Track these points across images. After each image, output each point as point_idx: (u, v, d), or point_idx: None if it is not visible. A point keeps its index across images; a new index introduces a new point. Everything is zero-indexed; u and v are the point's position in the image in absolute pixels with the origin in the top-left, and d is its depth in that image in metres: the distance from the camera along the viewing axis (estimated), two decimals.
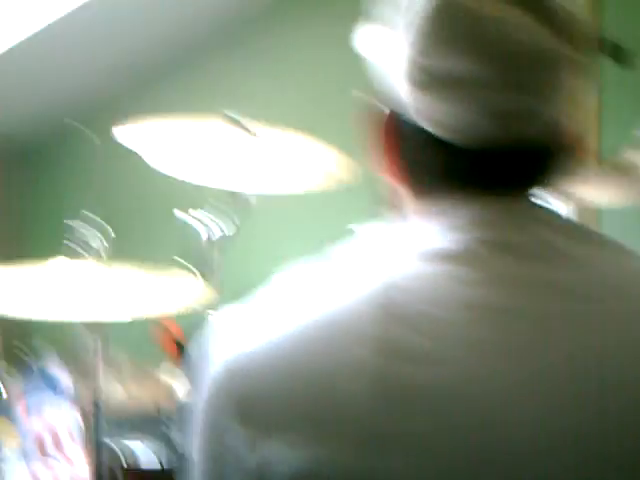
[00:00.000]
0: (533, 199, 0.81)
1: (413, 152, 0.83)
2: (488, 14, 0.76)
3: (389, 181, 0.87)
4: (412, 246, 0.78)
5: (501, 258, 0.75)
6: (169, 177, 2.20)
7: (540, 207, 0.81)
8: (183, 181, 2.20)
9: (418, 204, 0.84)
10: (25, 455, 2.31)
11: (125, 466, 2.18)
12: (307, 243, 2.99)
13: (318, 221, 3.34)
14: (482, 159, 0.79)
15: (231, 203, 2.20)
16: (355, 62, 0.95)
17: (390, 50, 0.82)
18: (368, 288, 0.74)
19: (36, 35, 3.33)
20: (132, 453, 2.22)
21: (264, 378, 0.74)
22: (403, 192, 0.86)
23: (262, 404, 0.73)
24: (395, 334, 0.71)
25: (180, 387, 2.32)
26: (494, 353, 0.71)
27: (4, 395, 2.36)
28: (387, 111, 0.84)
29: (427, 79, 0.78)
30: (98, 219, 2.05)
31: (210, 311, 2.09)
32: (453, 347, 0.71)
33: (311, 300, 0.77)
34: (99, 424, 2.03)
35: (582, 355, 0.70)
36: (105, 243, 2.01)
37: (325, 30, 3.49)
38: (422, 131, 0.80)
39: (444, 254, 0.76)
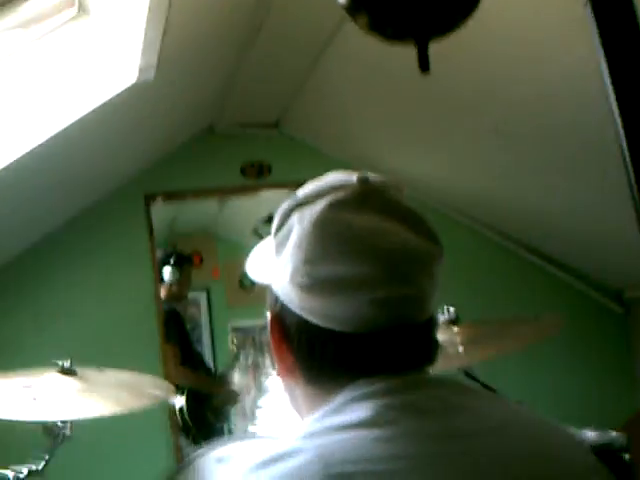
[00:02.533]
0: (424, 368, 0.97)
1: (303, 346, 0.96)
2: (365, 225, 0.91)
3: (284, 378, 1.01)
4: (331, 420, 0.89)
5: (408, 416, 0.88)
6: None
7: (429, 374, 0.97)
8: None
9: (313, 390, 0.96)
10: None
11: None
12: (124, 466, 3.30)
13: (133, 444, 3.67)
14: (371, 343, 0.92)
15: (44, 435, 2.20)
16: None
17: (280, 261, 0.95)
18: (309, 458, 0.84)
19: None
20: None
21: None
22: (295, 385, 0.99)
23: None
24: None
25: None
26: None
27: None
28: (275, 315, 0.98)
29: (312, 282, 0.91)
30: None
31: None
32: None
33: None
34: None
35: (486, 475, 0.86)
36: None
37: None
38: (310, 326, 0.93)
39: (359, 422, 0.86)
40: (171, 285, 4.75)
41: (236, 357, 5.21)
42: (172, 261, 4.82)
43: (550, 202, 3.77)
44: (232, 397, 5.12)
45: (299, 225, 0.94)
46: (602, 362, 4.14)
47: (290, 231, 0.96)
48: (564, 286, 4.28)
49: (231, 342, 5.38)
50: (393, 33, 0.71)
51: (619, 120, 0.64)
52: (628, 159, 0.63)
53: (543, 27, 2.51)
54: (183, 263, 4.95)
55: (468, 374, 2.57)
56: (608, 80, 0.66)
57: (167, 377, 3.88)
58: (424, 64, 0.70)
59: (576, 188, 3.46)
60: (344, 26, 2.83)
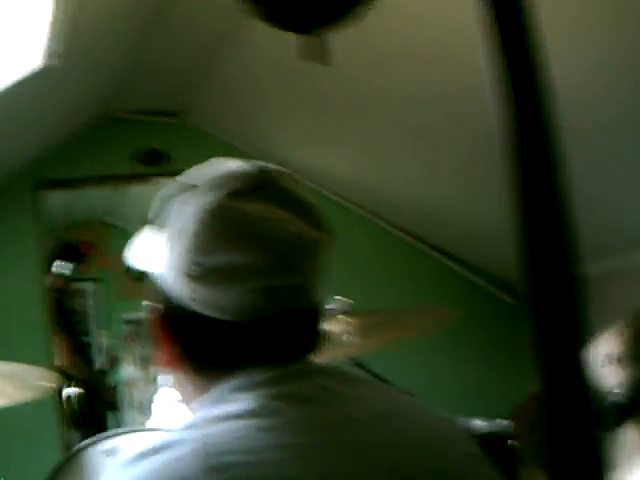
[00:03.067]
0: (308, 357, 0.97)
1: (190, 336, 0.95)
2: (256, 214, 0.91)
3: (168, 370, 0.99)
4: (213, 411, 0.88)
5: (292, 406, 0.88)
6: None
7: (314, 363, 0.97)
8: None
9: (201, 381, 0.95)
10: None
11: None
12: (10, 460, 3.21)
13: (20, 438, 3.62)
14: (256, 331, 0.92)
15: None
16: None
17: (167, 250, 0.93)
18: (189, 450, 0.82)
19: None
20: None
21: None
22: (182, 376, 0.98)
23: None
24: None
25: None
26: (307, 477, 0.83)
27: None
28: (160, 306, 0.96)
29: (201, 271, 0.90)
30: None
31: None
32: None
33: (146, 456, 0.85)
34: None
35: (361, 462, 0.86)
36: None
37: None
38: (198, 316, 0.92)
39: (241, 412, 0.86)
40: (58, 276, 4.63)
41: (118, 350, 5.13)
42: (63, 253, 4.70)
43: (445, 194, 3.85)
44: (108, 394, 5.07)
45: (188, 213, 0.92)
46: (496, 353, 4.24)
47: (176, 218, 0.93)
48: (459, 278, 4.39)
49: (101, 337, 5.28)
50: (289, 24, 0.71)
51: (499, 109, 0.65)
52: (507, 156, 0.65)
53: (449, 25, 2.56)
54: (74, 256, 4.84)
55: (360, 364, 2.60)
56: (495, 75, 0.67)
57: (57, 367, 3.79)
58: (323, 57, 0.70)
59: (469, 180, 3.55)
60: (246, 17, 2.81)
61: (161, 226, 0.95)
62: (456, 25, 2.40)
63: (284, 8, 0.68)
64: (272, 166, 0.98)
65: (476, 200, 3.64)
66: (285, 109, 3.64)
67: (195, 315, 0.92)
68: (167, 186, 0.97)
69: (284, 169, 0.99)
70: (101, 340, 6.13)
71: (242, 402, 0.87)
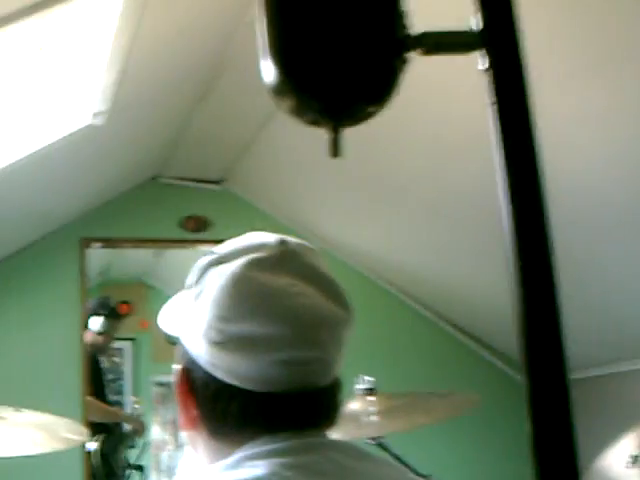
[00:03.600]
0: (324, 431, 0.98)
1: (209, 401, 0.97)
2: (278, 286, 0.93)
3: (188, 431, 1.01)
4: (228, 476, 0.90)
5: (304, 477, 0.89)
6: None
7: (330, 437, 0.99)
8: None
9: (217, 445, 0.97)
10: None
11: None
12: None
13: None
14: (274, 403, 0.94)
15: None
16: None
17: (194, 315, 0.96)
18: None
19: None
20: None
21: None
22: (200, 439, 1.00)
23: None
24: None
25: None
26: None
27: None
28: (184, 369, 0.99)
29: (223, 338, 0.92)
30: None
31: None
32: None
33: None
34: None
35: None
36: None
37: None
38: (218, 381, 0.95)
39: (255, 479, 0.88)
40: (96, 334, 4.71)
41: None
42: (102, 312, 4.78)
43: (475, 280, 3.88)
44: (140, 427, 5.09)
45: (215, 281, 0.95)
46: (517, 441, 4.18)
47: (206, 286, 0.96)
48: (485, 363, 4.38)
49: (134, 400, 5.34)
50: (309, 120, 0.77)
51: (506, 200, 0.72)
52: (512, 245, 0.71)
53: (472, 119, 2.65)
54: (112, 315, 4.92)
55: (380, 444, 2.61)
56: (501, 162, 0.74)
57: (87, 421, 3.84)
58: (334, 151, 0.77)
59: (499, 269, 3.57)
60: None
61: (193, 292, 0.99)
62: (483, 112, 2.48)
63: (315, 109, 0.75)
64: (297, 240, 1.02)
65: (504, 287, 3.65)
66: (323, 184, 3.73)
67: (215, 381, 0.95)
68: (204, 255, 1.02)
69: (308, 244, 1.03)
70: (133, 400, 6.16)
71: (254, 470, 0.89)
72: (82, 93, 2.68)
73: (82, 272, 4.01)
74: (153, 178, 4.19)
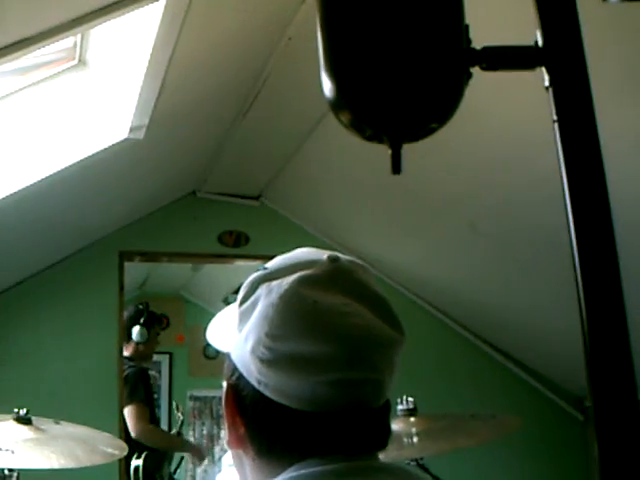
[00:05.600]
0: (375, 454, 0.96)
1: (256, 418, 0.95)
2: (330, 305, 0.91)
3: (233, 449, 1.00)
4: None
5: None
6: None
7: (380, 460, 0.96)
8: None
9: (262, 464, 0.95)
10: None
11: None
12: None
13: None
14: (325, 423, 0.92)
15: None
16: None
17: (244, 332, 0.95)
18: None
19: None
20: None
21: None
22: (244, 457, 0.98)
23: None
24: None
25: None
26: None
27: None
28: (231, 385, 0.98)
29: (273, 356, 0.90)
30: None
31: None
32: None
33: None
34: None
35: None
36: None
37: None
38: (265, 399, 0.93)
39: None
40: (138, 344, 4.73)
41: (182, 425, 5.15)
42: (142, 320, 4.80)
43: (517, 302, 3.84)
44: (202, 453, 5.07)
45: (266, 298, 0.93)
46: (559, 468, 4.13)
47: (256, 303, 0.95)
48: (527, 387, 4.31)
49: (176, 409, 5.33)
50: (369, 134, 0.75)
51: (572, 224, 0.70)
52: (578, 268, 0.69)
53: (515, 137, 2.63)
54: (153, 323, 4.93)
55: (421, 466, 2.58)
56: (566, 187, 0.71)
57: (127, 436, 3.85)
58: (396, 166, 0.75)
59: (541, 290, 3.54)
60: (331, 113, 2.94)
61: (243, 308, 0.98)
62: (532, 134, 2.46)
63: (376, 123, 0.73)
64: (348, 257, 1.00)
65: (547, 309, 3.62)
66: (362, 201, 3.72)
67: (264, 399, 0.93)
68: (254, 273, 1.00)
69: (360, 261, 1.00)
70: (170, 414, 6.18)
71: None
72: (121, 107, 2.70)
73: (121, 285, 4.03)
74: (192, 192, 4.21)
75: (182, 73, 2.44)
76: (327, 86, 0.72)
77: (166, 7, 1.96)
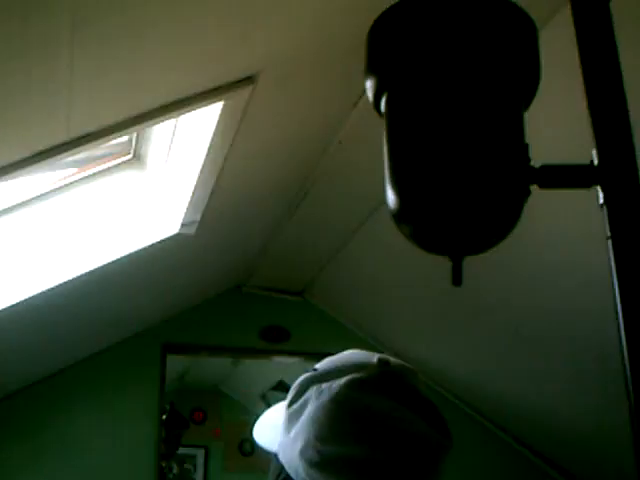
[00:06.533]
0: None
1: None
2: (380, 409, 0.92)
3: None
4: None
5: None
6: None
7: None
8: None
9: None
10: None
11: None
12: None
13: None
14: None
15: None
16: None
17: (292, 433, 0.96)
18: None
19: None
20: None
21: None
22: None
23: None
24: None
25: None
26: None
27: None
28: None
29: (322, 459, 0.90)
30: None
31: None
32: None
33: None
34: None
35: None
36: None
37: None
38: None
39: None
40: (170, 438, 4.69)
41: None
42: (164, 419, 4.78)
43: (556, 406, 3.77)
44: None
45: (316, 400, 0.94)
46: None
47: (306, 404, 0.95)
48: None
49: None
50: (431, 247, 0.78)
51: (623, 334, 0.70)
52: (629, 374, 0.69)
53: (563, 242, 2.64)
54: (176, 424, 4.90)
55: None
56: (618, 296, 0.73)
57: None
58: (457, 279, 0.77)
59: (589, 398, 3.48)
60: (377, 213, 2.99)
61: (292, 409, 0.99)
62: (569, 242, 2.48)
63: (438, 237, 0.76)
64: (398, 361, 1.01)
65: (590, 413, 3.56)
66: (406, 301, 3.72)
67: None
68: (304, 374, 1.02)
69: (409, 365, 1.01)
70: None
71: None
72: (174, 202, 2.77)
73: (162, 377, 4.04)
74: (237, 287, 4.24)
75: (235, 173, 2.51)
76: (390, 198, 0.75)
77: (223, 109, 2.04)
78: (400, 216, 0.75)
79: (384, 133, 0.79)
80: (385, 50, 0.78)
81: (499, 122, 0.77)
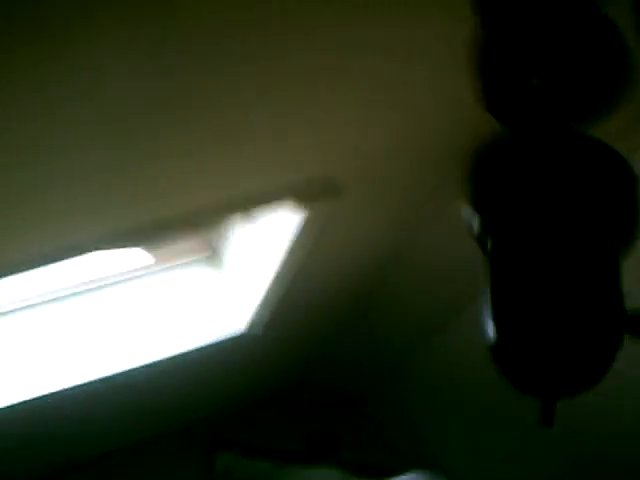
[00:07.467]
0: None
1: None
2: None
3: None
4: None
5: None
6: None
7: None
8: None
9: None
10: None
11: None
12: None
13: None
14: None
15: None
16: None
17: None
18: None
19: None
20: None
21: None
22: None
23: None
24: None
25: None
26: None
27: None
28: None
29: None
30: None
31: None
32: None
33: None
34: None
35: None
36: None
37: None
38: None
39: None
40: None
41: None
42: None
43: None
44: None
45: None
46: None
47: None
48: None
49: None
50: (525, 387, 0.80)
51: None
52: None
53: None
54: None
55: None
56: None
57: None
58: (548, 420, 0.79)
59: None
60: (441, 333, 3.02)
61: None
62: None
63: (533, 381, 0.78)
64: None
65: None
66: (459, 423, 3.67)
67: None
68: None
69: None
70: None
71: None
72: (244, 301, 2.81)
73: (208, 475, 4.00)
74: (289, 388, 4.22)
75: (308, 278, 2.55)
76: (489, 335, 0.77)
77: (307, 218, 2.09)
78: (497, 354, 0.78)
79: (486, 266, 0.82)
80: (492, 194, 0.81)
81: (597, 269, 0.79)
